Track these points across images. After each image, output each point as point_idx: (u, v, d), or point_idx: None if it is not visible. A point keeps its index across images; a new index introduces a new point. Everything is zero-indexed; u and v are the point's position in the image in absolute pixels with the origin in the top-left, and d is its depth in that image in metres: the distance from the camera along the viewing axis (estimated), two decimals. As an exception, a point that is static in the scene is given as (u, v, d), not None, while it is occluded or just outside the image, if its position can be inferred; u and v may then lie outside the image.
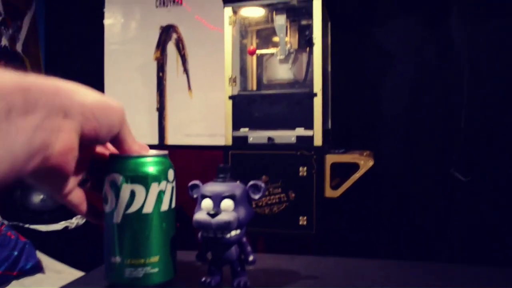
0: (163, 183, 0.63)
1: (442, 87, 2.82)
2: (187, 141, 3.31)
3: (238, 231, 0.67)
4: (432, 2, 2.83)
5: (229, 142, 2.43)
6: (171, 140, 3.37)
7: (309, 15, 2.36)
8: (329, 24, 2.76)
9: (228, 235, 0.66)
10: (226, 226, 0.64)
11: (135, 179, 0.61)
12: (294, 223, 2.36)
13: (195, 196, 0.70)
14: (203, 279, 0.70)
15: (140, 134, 3.38)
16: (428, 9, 2.84)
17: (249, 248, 0.69)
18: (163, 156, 0.66)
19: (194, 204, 0.69)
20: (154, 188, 0.62)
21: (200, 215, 0.66)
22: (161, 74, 3.40)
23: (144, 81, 3.41)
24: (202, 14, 3.26)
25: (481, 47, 2.74)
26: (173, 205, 0.66)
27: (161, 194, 0.63)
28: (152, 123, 3.40)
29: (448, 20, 2.81)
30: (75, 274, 2.47)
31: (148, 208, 0.62)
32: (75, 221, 2.98)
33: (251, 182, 0.68)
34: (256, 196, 0.69)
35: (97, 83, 3.47)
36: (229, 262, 0.69)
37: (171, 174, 0.65)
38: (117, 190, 0.61)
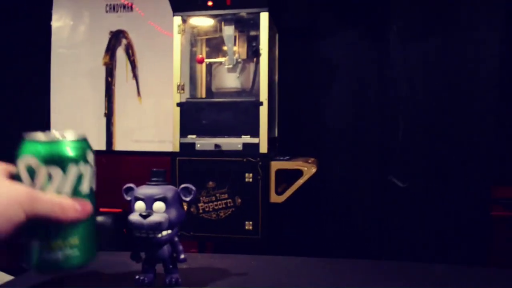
0: (82, 165, 0.62)
1: (381, 98, 2.98)
2: (135, 147, 3.30)
3: (169, 231, 0.72)
4: (373, 19, 2.99)
5: (177, 148, 2.46)
6: (119, 145, 3.35)
7: (257, 26, 2.45)
8: (277, 35, 2.86)
9: (160, 235, 0.71)
10: (157, 227, 0.69)
11: (51, 162, 0.60)
12: (240, 228, 2.42)
13: (129, 198, 0.75)
14: (137, 277, 0.74)
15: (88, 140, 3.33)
16: (369, 25, 3.00)
17: (180, 247, 0.74)
18: (81, 139, 0.64)
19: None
20: (73, 170, 0.61)
21: (133, 217, 0.70)
22: (109, 79, 3.37)
23: (92, 86, 3.37)
24: (154, 19, 3.27)
25: (416, 64, 2.93)
26: (94, 187, 0.65)
27: (80, 176, 0.62)
28: (100, 128, 3.37)
29: (387, 37, 2.99)
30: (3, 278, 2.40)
31: (66, 190, 0.61)
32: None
33: (182, 185, 0.74)
34: (187, 198, 0.74)
35: (43, 88, 3.40)
36: (162, 261, 0.74)
37: (90, 156, 0.64)
38: (32, 173, 0.59)
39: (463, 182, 2.88)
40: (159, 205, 0.70)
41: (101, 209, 3.08)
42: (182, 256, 0.74)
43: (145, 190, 0.72)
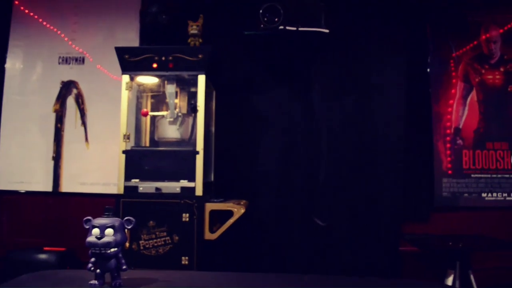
0: None
1: (305, 147, 3.42)
2: (82, 189, 3.52)
3: (116, 249, 1.05)
4: (299, 79, 3.47)
5: (121, 191, 2.75)
6: (65, 187, 3.55)
7: (196, 84, 2.84)
8: (214, 92, 3.27)
9: (109, 251, 1.04)
10: (108, 245, 1.03)
11: None
12: (177, 263, 2.70)
13: (87, 227, 1.08)
14: (91, 281, 1.06)
15: (34, 181, 3.54)
16: (295, 84, 3.47)
17: (123, 261, 1.08)
18: None
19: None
20: None
21: (91, 238, 1.04)
22: (59, 125, 3.62)
23: (41, 131, 3.60)
24: (104, 65, 3.59)
25: (336, 117, 3.41)
26: None
27: None
28: (47, 171, 3.57)
29: (311, 93, 3.47)
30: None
31: None
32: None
33: (126, 218, 1.08)
34: (129, 226, 1.08)
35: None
36: (109, 270, 1.07)
37: None
38: None
39: (375, 220, 3.31)
40: (109, 231, 1.04)
41: (46, 248, 3.25)
42: (124, 267, 1.07)
43: (99, 220, 1.06)
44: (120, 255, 1.04)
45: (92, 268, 1.07)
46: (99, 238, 1.00)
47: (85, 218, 1.06)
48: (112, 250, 1.01)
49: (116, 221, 1.04)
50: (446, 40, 3.51)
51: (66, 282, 1.10)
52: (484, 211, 3.39)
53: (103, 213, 1.06)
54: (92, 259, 1.05)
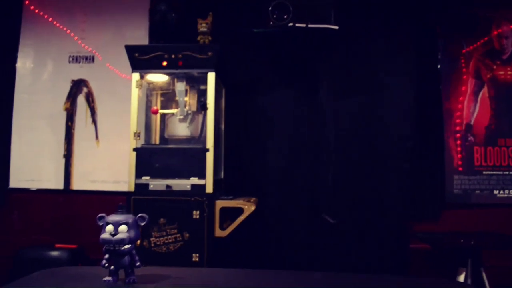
0: None
1: (314, 145, 3.42)
2: (92, 187, 3.55)
3: (129, 245, 1.06)
4: (307, 77, 3.47)
5: (132, 188, 2.77)
6: (76, 185, 3.58)
7: (206, 82, 2.84)
8: (224, 90, 3.28)
9: (123, 248, 1.04)
10: (121, 242, 1.03)
11: None
12: (188, 260, 2.71)
13: (101, 224, 1.08)
14: (105, 278, 1.07)
15: (45, 179, 3.57)
16: (304, 82, 3.47)
17: (137, 257, 1.08)
18: None
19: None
20: None
21: (105, 235, 1.04)
22: (70, 123, 3.65)
23: (52, 130, 3.63)
24: (113, 64, 3.61)
25: (343, 116, 3.41)
26: None
27: None
28: (58, 169, 3.60)
29: (319, 92, 3.47)
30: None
31: None
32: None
33: (139, 215, 1.09)
34: (142, 223, 1.09)
35: (4, 129, 3.61)
36: (123, 267, 1.07)
37: None
38: None
39: (385, 218, 3.31)
40: (123, 228, 1.05)
41: (57, 245, 3.28)
42: (138, 263, 1.08)
43: (113, 217, 1.07)
44: (134, 251, 1.05)
45: (106, 265, 1.07)
46: (113, 235, 1.01)
47: (98, 215, 1.07)
48: (126, 246, 1.02)
49: (129, 218, 1.05)
50: (457, 36, 3.48)
51: (79, 279, 1.11)
52: (496, 208, 3.36)
53: (116, 210, 1.07)
54: (106, 256, 1.06)
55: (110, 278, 1.06)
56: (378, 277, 1.15)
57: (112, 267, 1.06)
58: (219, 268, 3.08)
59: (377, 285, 1.11)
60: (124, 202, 2.79)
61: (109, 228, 1.03)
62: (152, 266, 1.50)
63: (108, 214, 1.23)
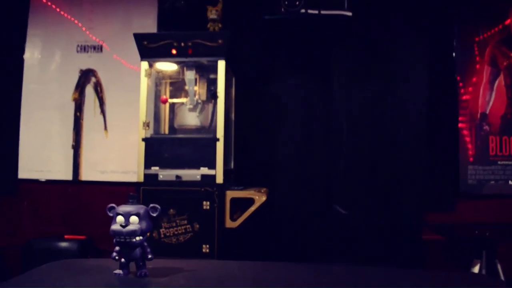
0: None
1: (325, 135, 3.36)
2: (101, 177, 3.53)
3: (141, 237, 1.01)
4: (319, 66, 3.40)
5: (141, 179, 2.73)
6: (85, 176, 3.56)
7: (216, 71, 2.79)
8: (234, 78, 3.22)
9: (134, 240, 1.00)
10: (133, 233, 0.99)
11: None
12: (198, 251, 2.68)
13: (111, 214, 1.04)
14: (116, 271, 1.03)
15: (54, 170, 3.55)
16: (315, 71, 3.41)
17: (148, 249, 1.04)
18: None
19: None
20: None
21: (115, 226, 1.00)
22: (78, 114, 3.62)
23: (61, 120, 3.60)
24: (121, 54, 3.56)
25: (356, 104, 3.35)
26: None
27: None
28: (67, 160, 3.58)
29: (331, 80, 3.40)
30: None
31: None
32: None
33: (151, 205, 1.04)
34: (154, 214, 1.04)
35: (12, 119, 3.59)
36: (135, 259, 1.03)
37: None
38: None
39: (398, 208, 3.25)
40: (134, 218, 1.00)
41: (66, 236, 3.27)
42: (150, 256, 1.03)
43: (123, 208, 1.02)
44: (146, 243, 1.00)
45: (117, 257, 1.03)
46: (123, 226, 0.97)
47: (109, 205, 1.02)
48: (138, 238, 0.97)
49: (141, 208, 1.00)
50: (472, 23, 3.38)
51: (89, 272, 1.07)
52: (511, 199, 3.28)
53: (127, 200, 1.02)
54: (117, 248, 1.02)
55: (120, 271, 1.01)
56: (392, 270, 1.15)
57: (122, 259, 1.02)
58: (231, 260, 3.06)
59: (393, 278, 1.06)
60: (134, 193, 2.78)
61: (120, 219, 0.99)
62: (162, 258, 1.47)
63: (117, 205, 1.19)
